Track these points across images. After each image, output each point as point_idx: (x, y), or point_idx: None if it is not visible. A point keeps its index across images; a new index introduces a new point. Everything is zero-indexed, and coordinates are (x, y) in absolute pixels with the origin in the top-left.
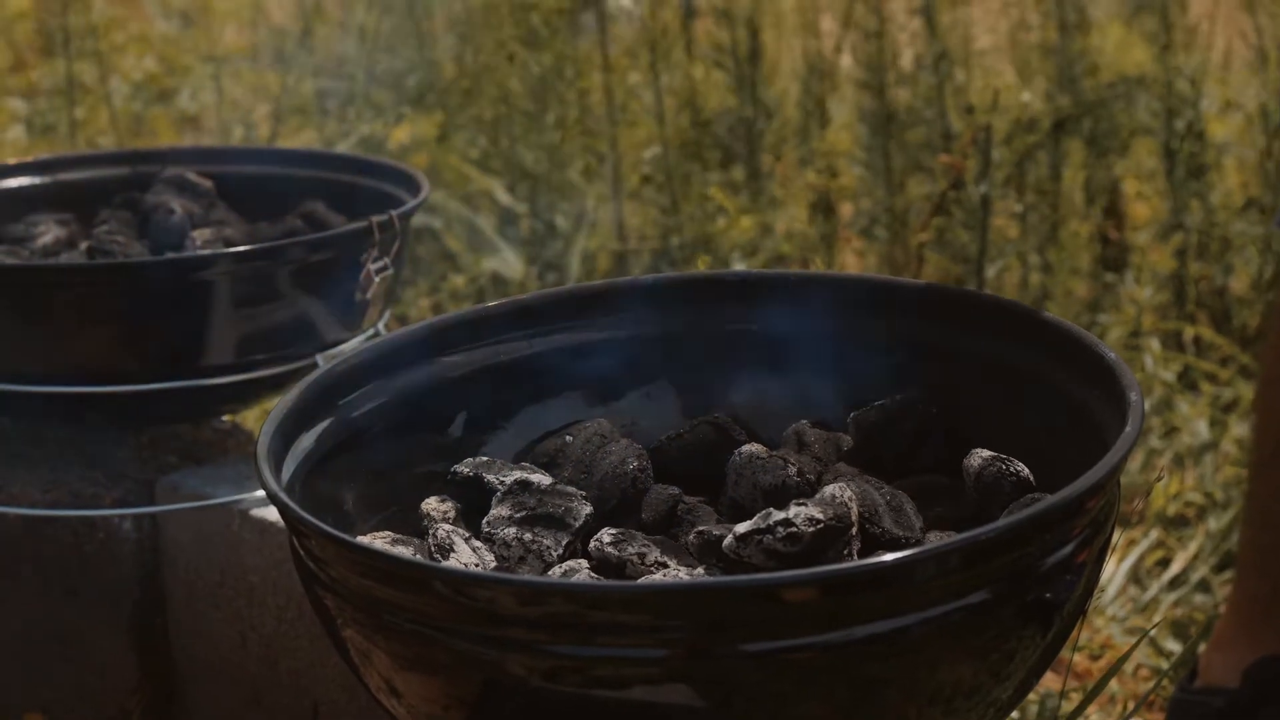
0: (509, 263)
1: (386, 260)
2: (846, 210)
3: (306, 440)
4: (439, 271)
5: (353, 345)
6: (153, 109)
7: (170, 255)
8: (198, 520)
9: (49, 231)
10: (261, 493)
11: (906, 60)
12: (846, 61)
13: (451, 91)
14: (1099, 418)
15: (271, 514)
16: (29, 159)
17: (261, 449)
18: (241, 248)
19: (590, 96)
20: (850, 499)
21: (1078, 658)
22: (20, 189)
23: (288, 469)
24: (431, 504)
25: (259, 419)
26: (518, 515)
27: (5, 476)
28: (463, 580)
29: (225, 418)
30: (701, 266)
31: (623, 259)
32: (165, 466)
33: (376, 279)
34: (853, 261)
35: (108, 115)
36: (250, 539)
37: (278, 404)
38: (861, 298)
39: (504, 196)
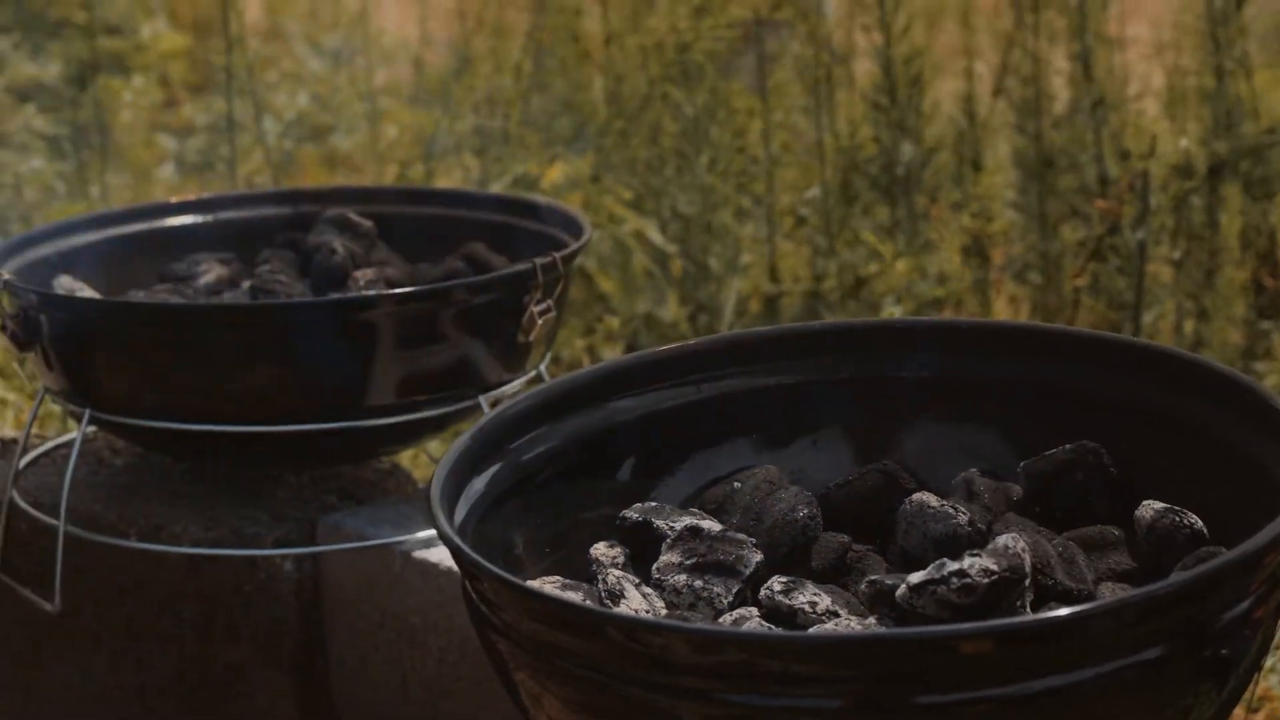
0: (662, 304)
1: (549, 302)
2: (999, 254)
3: (478, 483)
4: (594, 313)
5: (515, 387)
6: (305, 146)
7: (334, 296)
8: (359, 561)
9: (211, 270)
10: (423, 534)
11: (1061, 104)
12: (1001, 104)
13: (605, 132)
14: (1270, 468)
15: (434, 555)
16: (191, 198)
17: (435, 492)
18: (405, 289)
19: (745, 137)
20: (1023, 550)
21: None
22: (183, 227)
23: (460, 512)
24: (601, 549)
25: (419, 459)
26: (688, 562)
27: (167, 515)
28: (635, 627)
29: (385, 458)
30: (882, 313)
31: (775, 301)
32: (326, 506)
33: (539, 321)
34: (1005, 307)
35: (261, 153)
36: (412, 580)
37: (450, 447)
38: (1027, 345)
39: (657, 237)
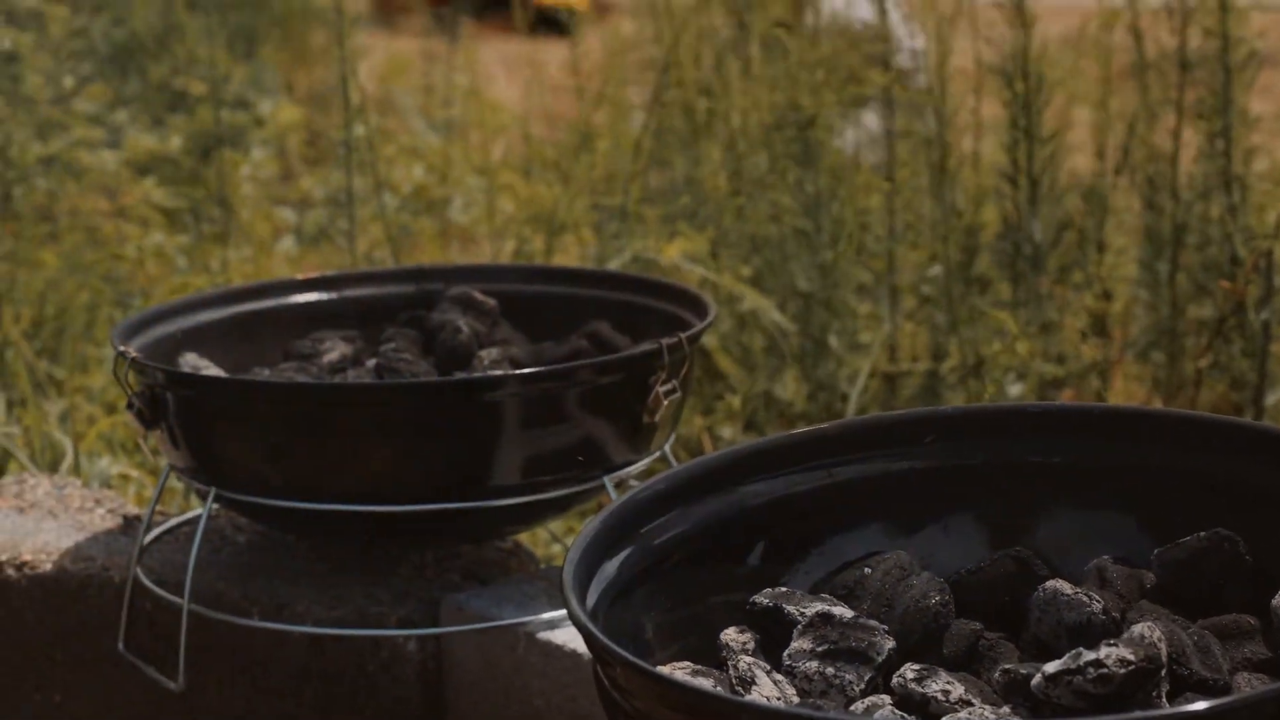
0: (782, 383)
1: (675, 382)
2: (1121, 333)
3: (609, 567)
4: (712, 390)
5: (639, 467)
6: (422, 220)
7: (460, 376)
8: (482, 641)
9: (335, 348)
10: (547, 615)
11: (1188, 182)
12: (1127, 181)
13: (724, 208)
14: None
15: (558, 637)
16: (316, 275)
17: (567, 576)
18: (532, 369)
19: (867, 215)
20: (1159, 639)
21: None
22: (308, 304)
23: (592, 596)
24: (731, 635)
25: (540, 537)
26: (819, 649)
27: (290, 593)
28: (768, 714)
29: (508, 537)
30: (988, 393)
31: (895, 380)
32: (449, 586)
33: (665, 401)
34: (1126, 387)
35: (380, 226)
36: (536, 662)
37: (582, 530)
38: (1160, 431)
39: (775, 315)
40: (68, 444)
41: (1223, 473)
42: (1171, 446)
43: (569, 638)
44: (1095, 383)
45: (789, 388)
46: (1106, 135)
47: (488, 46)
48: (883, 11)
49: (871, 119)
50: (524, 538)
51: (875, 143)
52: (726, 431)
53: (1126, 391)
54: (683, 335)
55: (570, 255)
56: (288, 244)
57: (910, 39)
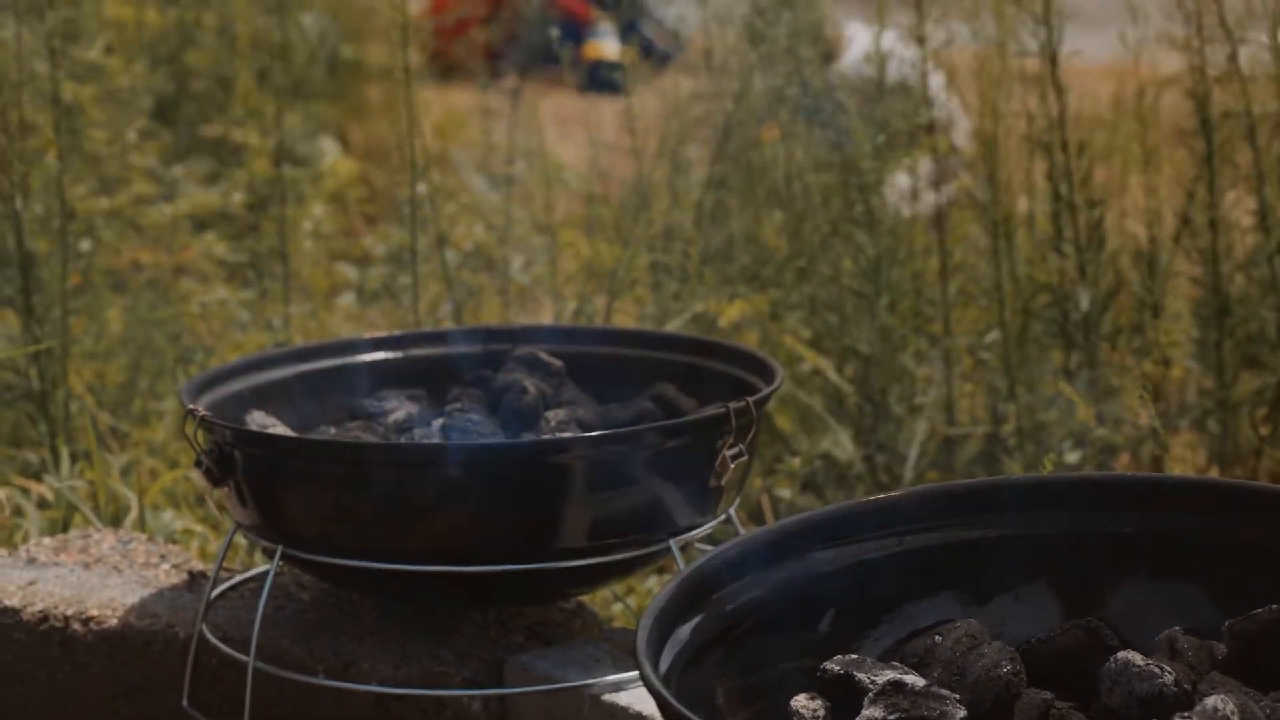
0: (840, 444)
1: (741, 446)
2: (1177, 401)
3: (682, 632)
4: (772, 451)
5: (705, 531)
6: (482, 276)
7: (529, 438)
8: (546, 703)
9: (401, 407)
10: (612, 677)
11: (1241, 251)
12: (1181, 250)
13: (784, 270)
14: None
15: (622, 699)
16: (382, 334)
17: (641, 641)
18: (600, 432)
19: (924, 278)
20: (1233, 711)
21: None
22: (374, 363)
23: (665, 661)
24: (801, 701)
25: (603, 597)
26: (891, 716)
27: (355, 652)
28: None
29: (572, 598)
30: (1048, 463)
31: (953, 444)
32: (512, 646)
33: (731, 465)
34: (1183, 454)
35: (441, 283)
36: None
37: (655, 596)
38: (1229, 502)
39: (834, 377)
40: (132, 498)
41: None
42: (1242, 517)
43: (634, 700)
44: (1152, 450)
45: (848, 449)
46: (1159, 200)
47: (538, 100)
48: (924, 74)
49: (902, 177)
50: (586, 597)
51: (904, 198)
52: (785, 492)
53: (1184, 459)
54: (750, 400)
55: (631, 314)
56: (349, 300)
57: (943, 95)
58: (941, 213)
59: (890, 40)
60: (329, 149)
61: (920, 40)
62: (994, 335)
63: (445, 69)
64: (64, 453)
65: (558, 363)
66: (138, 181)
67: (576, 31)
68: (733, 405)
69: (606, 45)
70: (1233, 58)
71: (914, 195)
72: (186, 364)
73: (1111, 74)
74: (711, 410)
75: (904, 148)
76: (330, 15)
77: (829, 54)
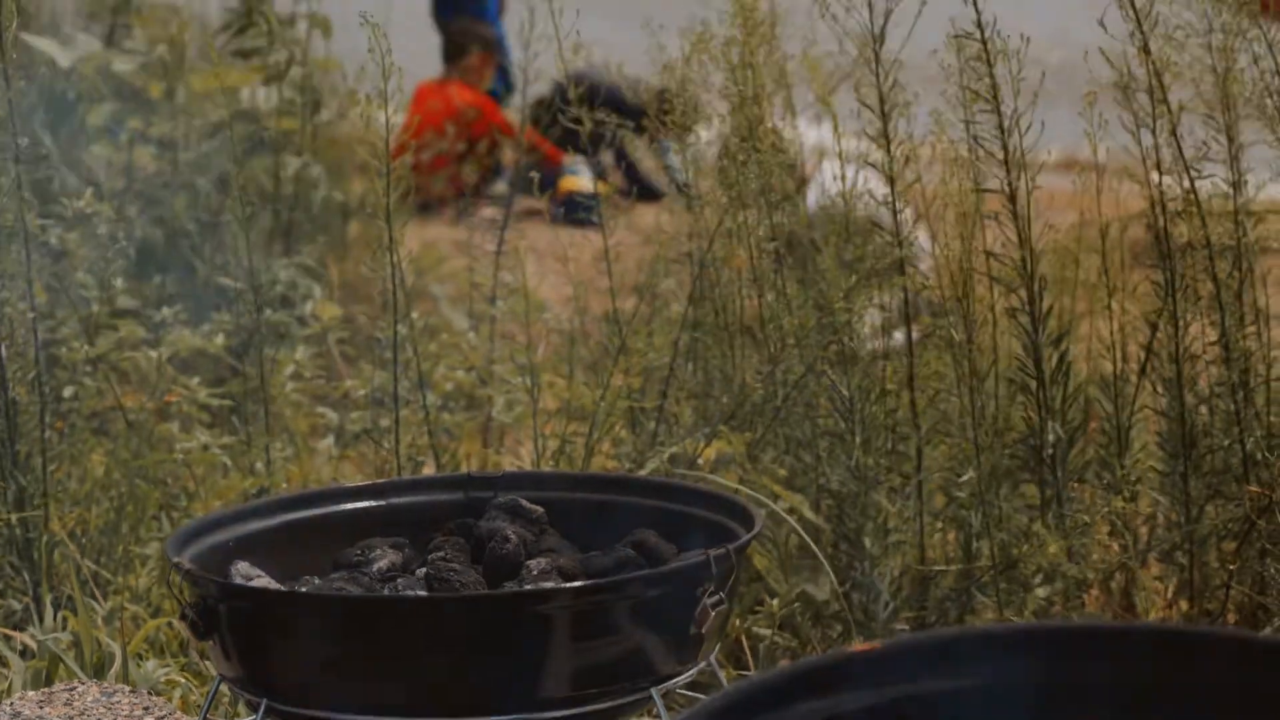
0: (816, 584)
1: (722, 594)
2: (1145, 533)
3: None
4: (752, 592)
5: (686, 678)
6: (462, 416)
7: (511, 589)
8: None
9: (384, 556)
10: None
11: (1206, 383)
12: (1147, 383)
13: (761, 410)
14: None
15: None
16: (365, 483)
17: None
18: (581, 583)
19: (897, 415)
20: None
21: None
22: (356, 512)
23: None
24: None
25: None
26: None
27: None
28: None
29: None
30: (1028, 607)
31: (927, 581)
32: None
33: (712, 613)
34: (1154, 587)
35: (421, 425)
36: None
37: None
38: (1206, 650)
39: (810, 515)
40: (115, 648)
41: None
42: (1217, 665)
43: None
44: (1123, 583)
45: (824, 590)
46: (1124, 332)
47: (515, 235)
48: (895, 211)
49: (872, 311)
50: None
51: (875, 334)
52: (764, 630)
53: (1153, 592)
54: (729, 547)
55: (610, 453)
56: (329, 443)
57: (911, 227)
58: (913, 349)
59: (855, 172)
60: (311, 290)
61: (891, 181)
62: (967, 476)
63: (423, 204)
64: (47, 599)
65: (539, 510)
66: (123, 326)
67: (550, 174)
68: (713, 553)
69: (581, 180)
70: (1191, 192)
71: (884, 332)
72: (170, 509)
73: (1074, 204)
74: (692, 559)
75: (875, 285)
76: (310, 154)
77: (802, 181)
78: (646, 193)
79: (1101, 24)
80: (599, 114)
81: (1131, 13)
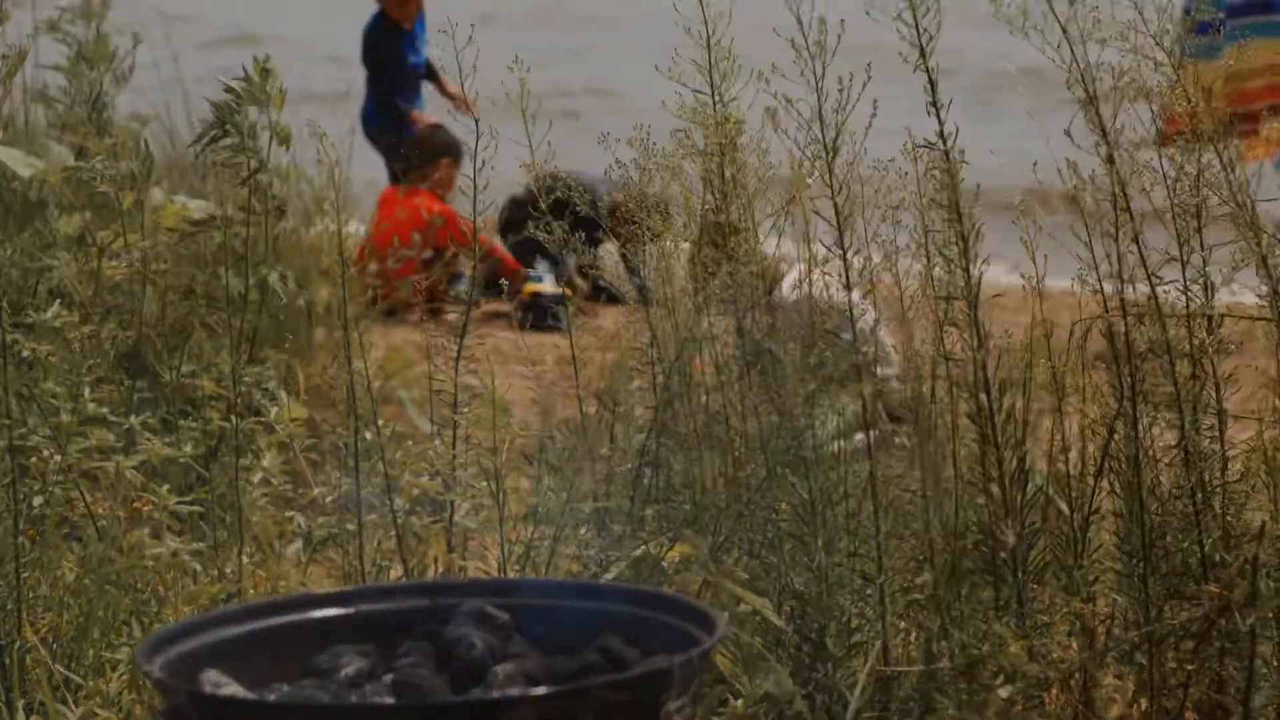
0: (780, 685)
1: (685, 699)
2: (1104, 632)
3: None
4: (715, 694)
5: None
6: (429, 521)
7: (478, 695)
8: None
9: (352, 663)
10: None
11: (1164, 484)
12: (1105, 485)
13: (724, 513)
14: None
15: None
16: (333, 591)
17: None
18: (547, 690)
19: (858, 519)
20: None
21: None
22: (326, 619)
23: None
24: None
25: None
26: None
27: None
28: None
29: None
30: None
31: (889, 683)
32: None
33: (676, 718)
34: (1113, 685)
35: (388, 529)
36: None
37: None
38: None
39: (773, 618)
40: None
41: None
42: None
43: None
44: (1082, 683)
45: (786, 688)
46: (1081, 434)
47: (475, 335)
48: (853, 319)
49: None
50: None
51: (835, 437)
52: None
53: (1114, 690)
54: (693, 653)
55: (575, 556)
56: (297, 547)
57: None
58: (873, 452)
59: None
60: (279, 396)
61: (848, 288)
62: (924, 577)
63: (389, 310)
64: (19, 704)
65: (504, 616)
66: (93, 433)
67: (513, 280)
68: (676, 659)
69: (544, 284)
70: (1152, 297)
71: (845, 435)
72: (140, 615)
73: (1027, 304)
74: (655, 664)
75: (835, 391)
76: (275, 259)
77: (773, 281)
78: (611, 297)
79: (1068, 133)
80: (563, 223)
81: (1097, 124)
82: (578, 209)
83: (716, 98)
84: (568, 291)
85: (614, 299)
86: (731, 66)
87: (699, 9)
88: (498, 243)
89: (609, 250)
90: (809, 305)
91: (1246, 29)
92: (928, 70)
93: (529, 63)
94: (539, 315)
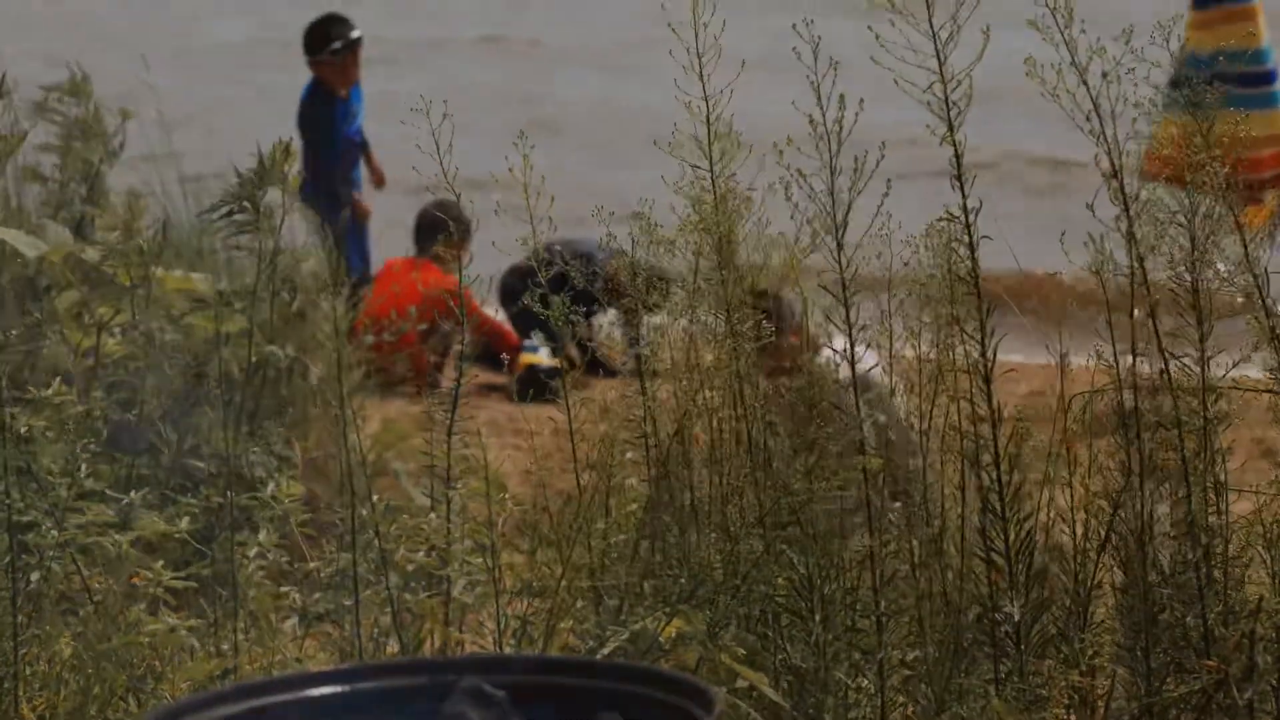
0: None
1: None
2: (1104, 707)
3: None
4: None
5: None
6: (425, 596)
7: None
8: None
9: None
10: None
11: (1166, 558)
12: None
13: (721, 589)
14: None
15: None
16: (330, 669)
17: None
18: None
19: (856, 593)
20: None
21: None
22: (322, 698)
23: None
24: None
25: None
26: None
27: None
28: None
29: None
30: None
31: None
32: None
33: None
34: None
35: (384, 604)
36: None
37: None
38: None
39: (770, 693)
40: None
41: None
42: None
43: None
44: None
45: None
46: (1085, 508)
47: (472, 407)
48: (856, 395)
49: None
50: None
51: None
52: None
53: None
54: None
55: (572, 631)
56: (294, 623)
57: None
58: (873, 525)
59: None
60: (276, 470)
61: (852, 365)
62: (921, 652)
63: (385, 382)
64: None
65: (501, 694)
66: (90, 508)
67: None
68: None
69: (540, 355)
70: (1164, 372)
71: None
72: (137, 691)
73: (1040, 373)
74: None
75: (834, 466)
76: (274, 333)
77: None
78: (607, 369)
79: (1089, 207)
80: (561, 296)
81: (1120, 198)
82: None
83: (715, 172)
84: (563, 363)
85: (609, 370)
86: (733, 142)
87: (699, 85)
88: (495, 314)
89: (610, 318)
90: (825, 378)
91: (1254, 99)
92: (954, 144)
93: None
94: (535, 387)
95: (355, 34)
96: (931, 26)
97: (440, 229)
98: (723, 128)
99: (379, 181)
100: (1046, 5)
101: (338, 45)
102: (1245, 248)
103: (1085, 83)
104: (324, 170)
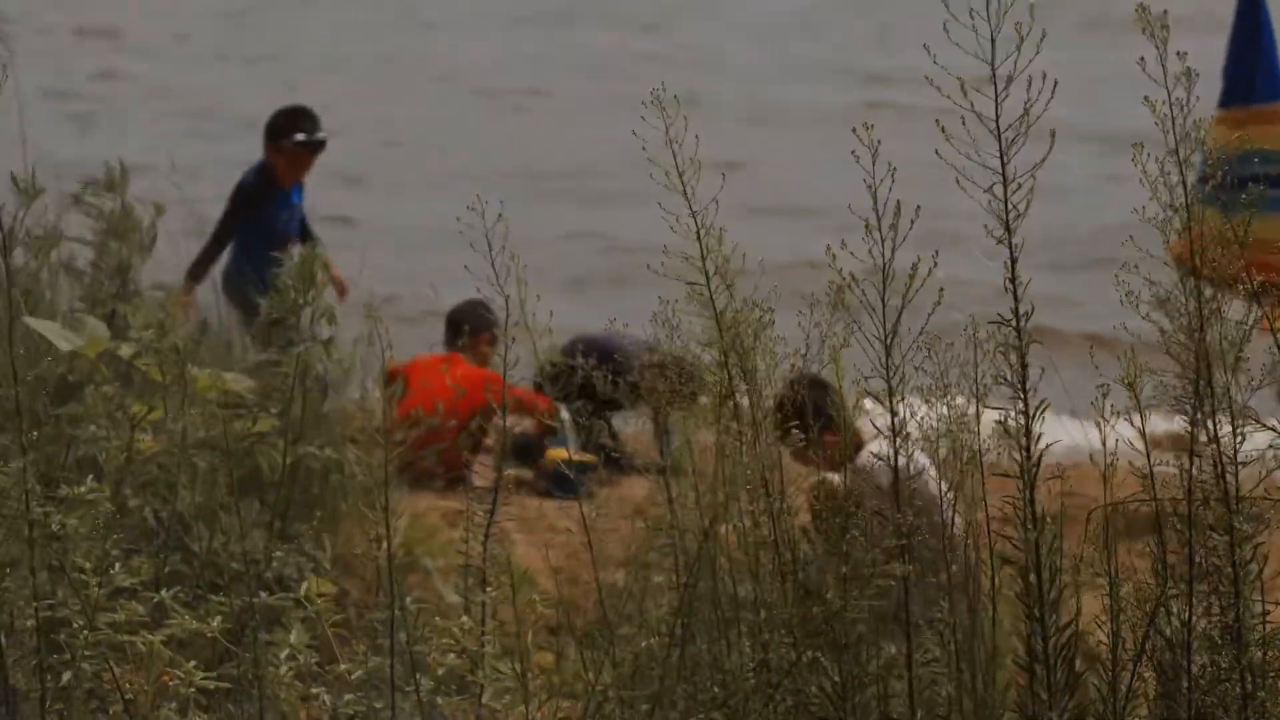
0: None
1: None
2: None
3: None
4: None
5: None
6: (456, 701)
7: None
8: None
9: None
10: None
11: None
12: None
13: (751, 695)
14: None
15: None
16: None
17: None
18: None
19: (891, 701)
20: None
21: None
22: None
23: None
24: None
25: None
26: None
27: None
28: None
29: None
30: None
31: None
32: None
33: None
34: None
35: (414, 712)
36: None
37: None
38: None
39: None
40: None
41: None
42: None
43: None
44: None
45: None
46: (1125, 614)
47: (501, 503)
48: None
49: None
50: None
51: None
52: None
53: None
54: None
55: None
56: None
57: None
58: (909, 632)
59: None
60: (306, 570)
61: (895, 476)
62: None
63: (415, 477)
64: None
65: None
66: (122, 606)
67: (536, 445)
68: None
69: (569, 449)
70: (1221, 478)
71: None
72: None
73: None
74: None
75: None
76: (306, 431)
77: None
78: (635, 467)
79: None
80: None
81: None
82: (608, 376)
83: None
84: (592, 459)
85: (638, 468)
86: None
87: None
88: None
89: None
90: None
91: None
92: (1010, 247)
93: None
94: (563, 484)
95: (320, 135)
96: (998, 126)
97: (469, 324)
98: None
99: (341, 292)
100: None
101: (300, 138)
102: None
103: None
104: (253, 259)
